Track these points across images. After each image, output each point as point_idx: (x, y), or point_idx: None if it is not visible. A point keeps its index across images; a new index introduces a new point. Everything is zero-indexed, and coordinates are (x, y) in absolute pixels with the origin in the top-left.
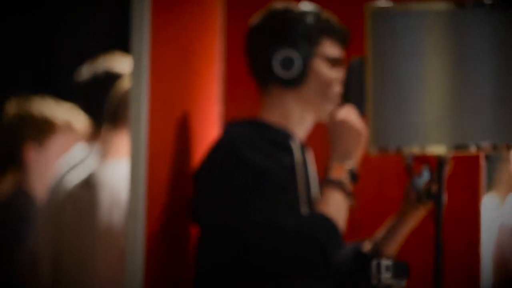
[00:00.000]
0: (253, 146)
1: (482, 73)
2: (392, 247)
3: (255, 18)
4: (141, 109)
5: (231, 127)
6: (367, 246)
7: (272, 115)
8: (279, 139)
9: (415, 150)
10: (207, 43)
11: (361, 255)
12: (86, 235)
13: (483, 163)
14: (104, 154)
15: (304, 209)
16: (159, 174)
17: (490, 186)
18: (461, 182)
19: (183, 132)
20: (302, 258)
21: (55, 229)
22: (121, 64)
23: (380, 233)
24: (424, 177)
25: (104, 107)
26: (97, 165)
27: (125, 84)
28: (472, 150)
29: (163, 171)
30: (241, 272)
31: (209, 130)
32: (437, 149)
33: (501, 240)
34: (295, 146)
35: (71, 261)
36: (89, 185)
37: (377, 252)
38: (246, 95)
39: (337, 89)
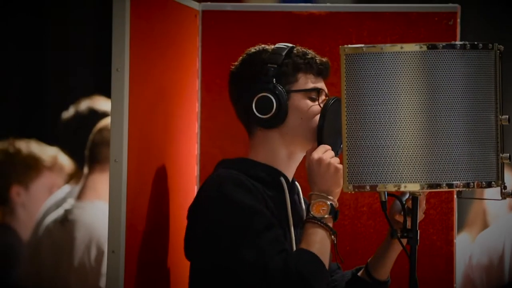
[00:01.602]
0: (242, 185)
1: (454, 113)
2: (383, 272)
3: (232, 66)
4: (122, 149)
5: (221, 165)
6: (361, 271)
7: (260, 155)
8: (269, 177)
9: (390, 188)
10: (184, 83)
11: (356, 278)
12: (62, 270)
13: (456, 201)
14: (83, 194)
15: (291, 247)
16: (138, 214)
17: (462, 225)
18: (435, 219)
19: (162, 171)
20: None
21: (35, 263)
22: (102, 106)
23: (370, 260)
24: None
25: (85, 148)
26: (76, 204)
27: (104, 125)
28: (445, 188)
29: (142, 211)
30: None
31: (187, 168)
32: (411, 187)
33: (469, 273)
34: (284, 183)
35: None
36: (66, 223)
37: (369, 276)
38: (221, 133)
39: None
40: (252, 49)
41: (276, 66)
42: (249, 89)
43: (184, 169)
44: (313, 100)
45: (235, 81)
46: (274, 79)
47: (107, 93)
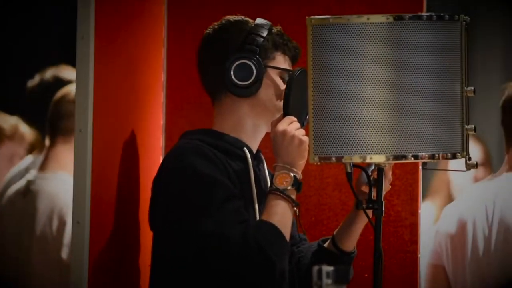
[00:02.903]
0: (204, 155)
1: (421, 84)
2: (350, 243)
3: (209, 29)
4: (87, 119)
5: (184, 137)
6: (327, 242)
7: (225, 125)
8: (232, 147)
9: (356, 159)
10: (150, 55)
11: (322, 249)
12: (23, 241)
13: (421, 172)
14: (46, 165)
15: (252, 219)
16: (103, 185)
17: (426, 194)
18: (400, 190)
19: (128, 142)
20: (248, 266)
21: None
22: (66, 75)
23: (336, 231)
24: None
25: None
26: (38, 175)
27: (65, 93)
28: (411, 159)
29: (107, 182)
30: (191, 278)
31: (152, 139)
32: (377, 159)
33: (436, 246)
34: (248, 155)
35: (10, 266)
36: (28, 194)
37: (336, 247)
38: (187, 104)
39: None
40: (232, 17)
41: (260, 37)
42: (226, 55)
43: (150, 139)
44: (284, 81)
45: (211, 44)
46: (254, 50)
47: (74, 62)
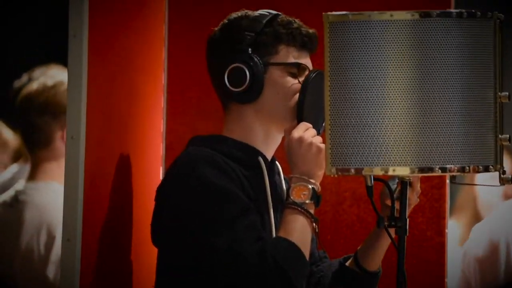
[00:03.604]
0: (215, 164)
1: (450, 88)
2: (373, 263)
3: (214, 30)
4: (79, 125)
5: (192, 143)
6: (349, 261)
7: (235, 132)
8: (245, 156)
9: (377, 171)
10: (150, 55)
11: (344, 269)
12: (5, 255)
13: (448, 186)
14: (35, 174)
15: (269, 234)
16: (97, 198)
17: (451, 211)
18: (425, 206)
19: (124, 150)
20: (265, 286)
21: None
22: (55, 78)
23: (359, 249)
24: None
25: (35, 125)
26: (27, 185)
27: (55, 98)
28: (438, 172)
29: (101, 194)
30: None
31: (152, 147)
32: (400, 171)
33: (464, 269)
34: (263, 164)
35: None
36: (16, 204)
37: (358, 266)
38: (190, 108)
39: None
40: (234, 14)
41: (253, 34)
42: (224, 59)
43: (148, 147)
44: (293, 76)
45: (212, 49)
46: (250, 49)
47: (64, 62)
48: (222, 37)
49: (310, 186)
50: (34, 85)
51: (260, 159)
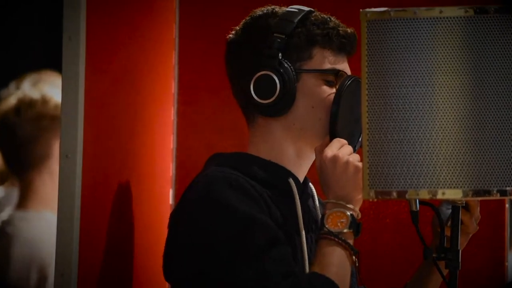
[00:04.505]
0: (240, 187)
1: (509, 99)
2: None
3: (231, 33)
4: (75, 142)
5: (213, 162)
6: None
7: (262, 150)
8: (274, 178)
9: (423, 195)
10: (158, 61)
11: None
12: None
13: (508, 212)
14: (25, 201)
15: (301, 268)
16: (95, 227)
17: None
18: (480, 235)
19: (126, 171)
20: None
21: None
22: (49, 84)
23: (408, 284)
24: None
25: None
26: (13, 214)
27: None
28: (496, 196)
29: (100, 223)
30: None
31: (160, 166)
32: (451, 194)
33: None
34: (294, 187)
35: None
36: (2, 238)
37: None
38: (204, 122)
39: None
40: (258, 11)
41: (284, 36)
42: (248, 64)
43: (156, 167)
44: (330, 84)
45: (232, 53)
46: (280, 54)
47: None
48: (246, 38)
49: (348, 213)
50: (20, 95)
51: (291, 180)
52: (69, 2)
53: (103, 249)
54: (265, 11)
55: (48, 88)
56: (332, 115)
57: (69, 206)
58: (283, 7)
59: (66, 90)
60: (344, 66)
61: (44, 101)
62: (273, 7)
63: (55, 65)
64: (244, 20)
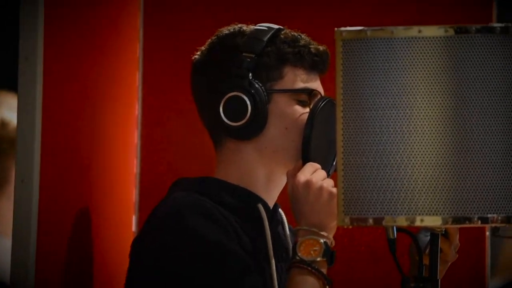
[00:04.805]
0: (207, 214)
1: (492, 120)
2: None
3: (196, 53)
4: (32, 166)
5: (178, 187)
6: None
7: (230, 174)
8: (243, 203)
9: (401, 222)
10: (120, 77)
11: None
12: None
13: (489, 240)
14: None
15: None
16: (53, 258)
17: (495, 269)
18: (461, 265)
19: (87, 197)
20: None
21: None
22: (5, 111)
23: None
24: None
25: None
26: None
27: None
28: (477, 223)
29: (58, 253)
30: None
31: (122, 192)
32: (430, 221)
33: None
34: (264, 213)
35: None
36: None
37: None
38: (169, 145)
39: None
40: (225, 30)
41: (253, 55)
42: (216, 85)
43: (118, 192)
44: (303, 104)
45: (198, 74)
46: (250, 74)
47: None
48: (213, 58)
49: (321, 240)
50: None
51: (260, 206)
52: (26, 20)
53: (61, 278)
54: (231, 30)
55: (7, 111)
56: (304, 138)
57: (25, 233)
58: (250, 26)
59: (22, 112)
60: (317, 85)
61: (3, 124)
62: (240, 25)
63: (13, 86)
64: (210, 40)
